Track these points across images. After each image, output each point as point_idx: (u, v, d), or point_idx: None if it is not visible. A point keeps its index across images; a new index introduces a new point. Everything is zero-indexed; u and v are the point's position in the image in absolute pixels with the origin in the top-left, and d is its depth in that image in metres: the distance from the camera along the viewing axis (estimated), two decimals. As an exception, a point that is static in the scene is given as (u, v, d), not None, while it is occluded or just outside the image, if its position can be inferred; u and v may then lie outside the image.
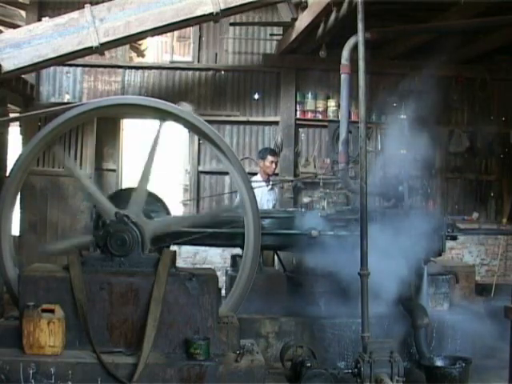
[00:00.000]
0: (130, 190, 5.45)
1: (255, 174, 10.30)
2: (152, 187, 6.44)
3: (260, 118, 10.46)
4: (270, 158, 8.39)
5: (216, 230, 6.31)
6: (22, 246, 8.97)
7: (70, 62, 9.02)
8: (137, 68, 10.34)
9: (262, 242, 5.33)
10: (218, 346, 4.60)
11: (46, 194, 9.27)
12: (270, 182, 8.44)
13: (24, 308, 4.45)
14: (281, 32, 10.16)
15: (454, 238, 6.94)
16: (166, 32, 8.62)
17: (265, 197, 8.09)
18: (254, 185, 7.79)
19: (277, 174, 10.35)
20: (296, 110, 10.42)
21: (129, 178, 9.95)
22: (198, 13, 7.43)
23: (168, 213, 6.84)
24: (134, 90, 10.22)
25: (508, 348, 4.85)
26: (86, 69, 10.17)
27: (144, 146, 5.25)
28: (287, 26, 9.59)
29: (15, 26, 9.17)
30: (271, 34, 10.42)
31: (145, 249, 4.88)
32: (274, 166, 8.46)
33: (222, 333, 4.65)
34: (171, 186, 10.87)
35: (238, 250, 6.86)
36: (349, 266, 5.68)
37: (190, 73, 10.40)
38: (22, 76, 8.73)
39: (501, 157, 10.82)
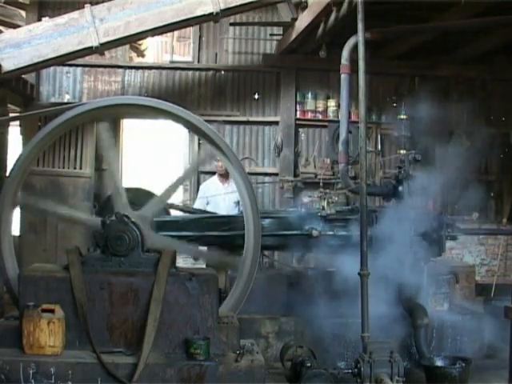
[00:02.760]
0: (129, 190, 5.45)
1: (255, 173, 10.34)
2: (152, 187, 6.48)
3: (260, 118, 10.46)
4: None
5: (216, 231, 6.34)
6: (22, 246, 8.97)
7: (70, 62, 9.02)
8: (137, 68, 10.34)
9: (262, 242, 5.33)
10: (218, 346, 4.60)
11: (46, 193, 9.26)
12: (228, 182, 8.13)
13: (24, 308, 4.45)
14: (281, 32, 10.16)
15: (453, 238, 6.94)
16: (165, 32, 8.62)
17: (221, 197, 7.87)
18: (209, 186, 7.81)
19: (276, 174, 10.38)
20: (296, 110, 10.42)
21: (129, 178, 9.95)
22: (198, 13, 7.44)
23: (167, 213, 6.87)
24: (134, 90, 10.22)
25: (508, 348, 4.85)
26: (86, 69, 10.17)
27: (144, 146, 5.24)
28: (287, 26, 9.59)
29: (15, 26, 9.17)
30: (271, 34, 10.42)
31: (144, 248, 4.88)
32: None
33: (222, 333, 4.65)
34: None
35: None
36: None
37: (190, 73, 10.40)
38: (22, 76, 8.73)
39: (501, 157, 10.82)
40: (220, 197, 7.91)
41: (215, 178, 8.36)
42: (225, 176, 8.18)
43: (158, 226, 5.54)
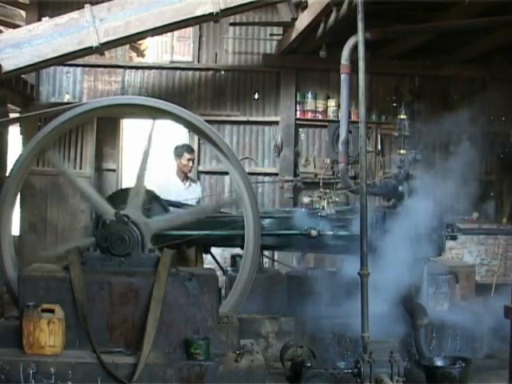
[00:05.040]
0: (129, 190, 5.45)
1: (255, 173, 10.32)
2: (152, 187, 6.47)
3: (260, 118, 10.46)
4: (186, 155, 7.79)
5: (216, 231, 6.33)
6: (22, 246, 8.97)
7: (70, 62, 9.02)
8: (137, 68, 10.35)
9: (262, 242, 5.33)
10: (217, 346, 4.60)
11: (46, 193, 9.27)
12: (189, 181, 7.93)
13: (24, 308, 4.45)
14: (281, 32, 10.16)
15: (453, 238, 6.94)
16: (165, 32, 8.62)
17: (182, 196, 7.47)
18: (170, 183, 7.68)
19: (276, 174, 10.38)
20: (296, 110, 10.42)
21: (129, 178, 9.95)
22: (198, 13, 7.43)
23: (166, 211, 6.85)
24: (133, 90, 10.22)
25: (508, 348, 4.84)
26: (86, 69, 10.18)
27: (142, 146, 5.25)
28: (287, 26, 9.60)
29: (15, 26, 9.18)
30: (271, 34, 10.42)
31: (145, 248, 4.88)
32: (191, 163, 7.87)
33: (222, 333, 4.65)
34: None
35: (238, 250, 6.86)
36: None
37: (190, 73, 10.40)
38: (22, 76, 8.73)
39: (501, 157, 10.82)
40: (181, 196, 7.49)
41: (174, 176, 7.90)
42: (186, 175, 7.92)
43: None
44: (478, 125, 10.47)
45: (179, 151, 7.84)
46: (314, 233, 6.51)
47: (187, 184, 7.87)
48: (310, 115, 10.47)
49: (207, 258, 7.67)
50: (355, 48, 6.30)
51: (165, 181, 7.66)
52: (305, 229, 6.55)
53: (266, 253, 7.78)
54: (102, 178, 10.01)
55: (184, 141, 9.30)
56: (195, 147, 10.10)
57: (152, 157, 5.18)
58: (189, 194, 7.73)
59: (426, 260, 6.66)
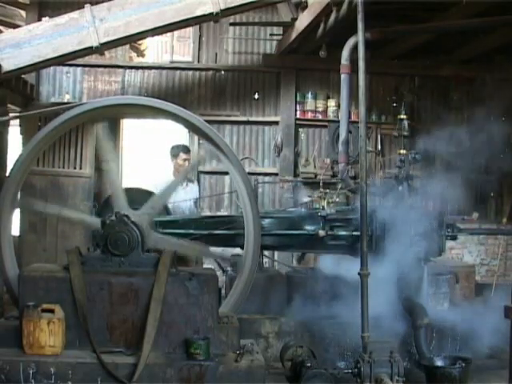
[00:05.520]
0: (129, 190, 5.45)
1: (255, 173, 10.30)
2: (152, 187, 6.48)
3: (260, 118, 10.46)
4: (182, 155, 7.77)
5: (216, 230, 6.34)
6: (22, 246, 8.97)
7: (70, 62, 9.02)
8: (137, 68, 10.35)
9: (262, 242, 5.33)
10: (217, 346, 4.60)
11: (46, 194, 9.26)
12: (186, 181, 7.87)
13: (24, 308, 4.45)
14: (281, 32, 10.17)
15: (454, 238, 6.94)
16: (165, 32, 8.63)
17: (179, 197, 7.50)
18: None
19: (276, 174, 10.38)
20: (296, 110, 10.43)
21: (129, 178, 9.95)
22: (198, 13, 7.44)
23: (168, 212, 6.87)
24: (133, 90, 10.22)
25: (508, 348, 4.84)
26: (86, 69, 10.18)
27: (143, 146, 5.25)
28: (287, 26, 9.60)
29: (15, 26, 9.18)
30: (271, 34, 10.42)
31: (144, 248, 4.88)
32: (187, 163, 7.75)
33: (222, 333, 4.65)
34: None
35: (238, 250, 6.86)
36: None
37: (190, 73, 10.40)
38: (22, 76, 8.73)
39: (501, 157, 10.81)
40: (179, 197, 7.52)
41: (171, 176, 7.77)
42: None
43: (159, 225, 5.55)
44: (478, 125, 10.48)
45: (175, 151, 7.84)
46: (322, 233, 6.48)
47: (184, 184, 7.87)
48: (309, 115, 10.47)
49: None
50: (355, 48, 6.30)
51: (162, 181, 7.63)
52: (312, 229, 6.54)
53: (266, 253, 7.78)
54: (102, 177, 10.00)
55: (184, 141, 9.31)
56: (195, 147, 10.12)
57: (152, 157, 5.19)
58: (186, 193, 7.75)
59: (426, 260, 6.67)
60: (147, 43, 11.41)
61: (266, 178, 10.44)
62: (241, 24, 10.22)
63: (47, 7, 9.88)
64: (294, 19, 9.17)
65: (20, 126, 9.34)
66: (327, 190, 7.74)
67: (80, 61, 9.28)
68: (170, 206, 6.95)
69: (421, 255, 6.49)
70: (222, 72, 10.42)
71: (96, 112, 5.39)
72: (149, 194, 6.03)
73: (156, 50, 12.55)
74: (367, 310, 5.14)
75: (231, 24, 10.13)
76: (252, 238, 5.19)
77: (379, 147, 10.54)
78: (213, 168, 10.26)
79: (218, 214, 10.02)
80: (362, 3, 5.35)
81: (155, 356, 4.46)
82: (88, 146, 9.47)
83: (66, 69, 10.06)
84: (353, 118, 9.62)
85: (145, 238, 4.88)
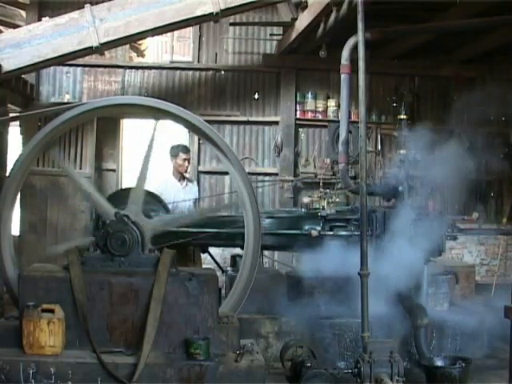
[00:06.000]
0: (130, 190, 5.45)
1: (255, 173, 10.30)
2: (152, 187, 6.48)
3: (260, 118, 10.46)
4: (182, 155, 7.77)
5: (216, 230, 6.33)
6: (22, 245, 8.98)
7: (70, 62, 9.02)
8: (137, 68, 10.35)
9: (262, 242, 5.33)
10: (217, 346, 4.60)
11: (46, 194, 9.27)
12: (186, 181, 7.92)
13: (24, 308, 4.45)
14: (281, 32, 10.17)
15: (454, 238, 6.94)
16: (165, 32, 8.63)
17: (179, 196, 7.52)
18: (167, 185, 7.70)
19: (276, 174, 10.38)
20: (296, 110, 10.43)
21: (129, 178, 9.95)
22: (198, 13, 7.44)
23: (168, 212, 6.86)
24: (133, 90, 10.22)
25: (508, 348, 4.84)
26: (86, 69, 10.18)
27: (143, 146, 5.25)
28: (287, 26, 9.60)
29: (15, 26, 9.18)
30: (271, 34, 10.42)
31: (145, 249, 4.88)
32: (186, 163, 7.85)
33: (222, 333, 4.65)
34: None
35: (238, 250, 6.86)
36: None
37: (190, 73, 10.40)
38: (22, 76, 8.73)
39: (501, 157, 10.81)
40: (179, 197, 7.55)
41: (170, 176, 7.88)
42: (182, 175, 7.90)
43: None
44: (478, 125, 10.49)
45: (175, 151, 7.83)
46: (314, 233, 6.51)
47: (184, 184, 7.88)
48: (310, 115, 10.47)
49: (207, 257, 7.68)
50: (355, 48, 6.30)
51: (162, 181, 7.65)
52: (305, 229, 6.55)
53: (265, 253, 7.78)
54: (101, 178, 10.02)
55: (184, 141, 9.31)
56: (195, 147, 10.12)
57: (152, 157, 5.18)
58: (186, 194, 7.75)
59: (426, 260, 6.67)
60: (147, 43, 11.41)
61: (266, 178, 10.44)
62: (241, 24, 10.22)
63: (47, 7, 9.88)
64: (294, 19, 9.18)
65: (20, 126, 9.35)
66: (327, 190, 7.75)
67: (80, 61, 9.28)
68: (169, 206, 6.95)
69: (421, 255, 6.49)
70: (222, 72, 10.42)
71: (96, 112, 5.40)
72: (149, 194, 6.04)
73: (156, 49, 12.55)
74: (367, 310, 5.14)
75: (231, 24, 10.13)
76: (252, 238, 5.19)
77: (379, 147, 10.55)
78: (213, 168, 10.26)
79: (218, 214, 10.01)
80: (361, 3, 5.35)
81: (155, 356, 4.46)
82: (88, 146, 9.49)
83: (66, 69, 10.05)
84: (353, 117, 9.62)
85: (144, 237, 4.89)
